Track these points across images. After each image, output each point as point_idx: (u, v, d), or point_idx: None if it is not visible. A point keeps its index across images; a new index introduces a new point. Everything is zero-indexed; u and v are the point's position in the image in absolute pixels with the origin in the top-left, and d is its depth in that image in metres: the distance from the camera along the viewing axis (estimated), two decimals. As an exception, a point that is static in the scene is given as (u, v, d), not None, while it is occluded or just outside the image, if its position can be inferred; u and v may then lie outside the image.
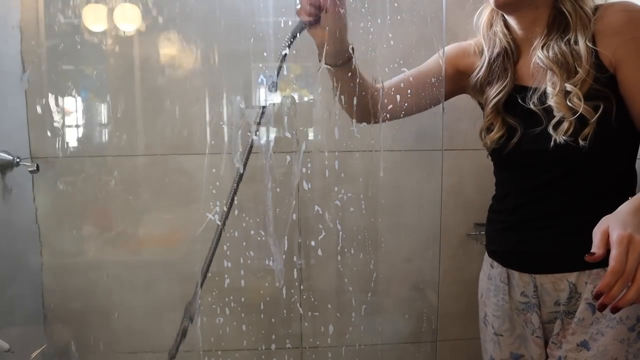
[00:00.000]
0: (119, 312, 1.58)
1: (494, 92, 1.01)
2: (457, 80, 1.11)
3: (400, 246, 1.62)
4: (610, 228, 0.71)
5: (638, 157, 0.93)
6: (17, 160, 1.36)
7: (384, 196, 1.59)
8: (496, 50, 1.02)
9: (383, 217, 1.61)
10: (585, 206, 0.90)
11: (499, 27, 1.03)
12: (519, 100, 0.96)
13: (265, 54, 1.61)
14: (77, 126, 1.56)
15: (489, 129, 1.03)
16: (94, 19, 1.47)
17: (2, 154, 1.34)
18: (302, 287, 1.62)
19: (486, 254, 1.12)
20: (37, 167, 1.41)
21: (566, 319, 0.92)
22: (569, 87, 0.86)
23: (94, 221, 1.58)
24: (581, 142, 0.85)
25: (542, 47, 0.91)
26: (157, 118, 1.54)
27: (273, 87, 1.17)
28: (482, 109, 1.09)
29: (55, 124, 1.50)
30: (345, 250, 1.60)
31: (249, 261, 1.65)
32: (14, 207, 1.44)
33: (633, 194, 0.88)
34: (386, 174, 1.61)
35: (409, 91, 1.11)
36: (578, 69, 0.86)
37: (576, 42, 0.87)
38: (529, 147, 0.94)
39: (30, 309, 1.52)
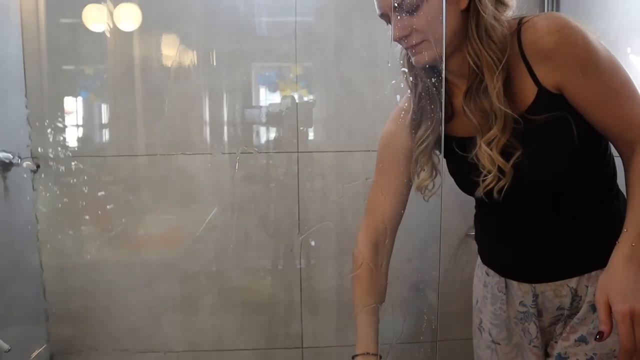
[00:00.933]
0: (119, 312, 1.58)
1: (422, 135, 0.96)
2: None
3: (400, 246, 1.62)
4: (611, 301, 0.75)
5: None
6: (17, 160, 1.36)
7: (384, 196, 1.59)
8: (419, 89, 0.96)
9: (383, 217, 1.61)
10: (574, 213, 0.89)
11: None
12: (454, 147, 0.92)
13: (265, 54, 1.62)
14: (77, 126, 1.56)
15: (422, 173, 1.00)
16: (94, 19, 1.48)
17: (2, 154, 1.34)
18: (302, 287, 1.62)
19: (479, 259, 1.11)
20: (37, 167, 1.41)
21: (569, 320, 0.92)
22: (483, 146, 0.83)
23: (93, 221, 1.58)
24: (495, 196, 0.84)
25: (465, 96, 0.87)
26: (157, 118, 1.54)
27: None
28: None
29: (55, 124, 1.50)
30: (346, 250, 1.60)
31: (249, 261, 1.65)
32: (14, 207, 1.44)
33: (614, 181, 0.91)
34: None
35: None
36: (495, 123, 0.82)
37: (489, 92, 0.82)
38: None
39: (30, 309, 1.52)
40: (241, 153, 1.56)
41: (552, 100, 0.81)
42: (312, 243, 1.62)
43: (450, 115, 0.93)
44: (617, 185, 0.92)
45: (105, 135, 1.58)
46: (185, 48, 1.52)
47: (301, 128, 1.56)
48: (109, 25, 1.48)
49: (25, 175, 1.44)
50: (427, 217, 1.56)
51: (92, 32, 1.48)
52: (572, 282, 0.90)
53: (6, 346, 1.23)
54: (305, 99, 1.58)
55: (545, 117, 0.81)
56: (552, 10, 1.60)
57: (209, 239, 1.58)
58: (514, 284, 0.98)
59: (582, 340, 0.88)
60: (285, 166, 1.59)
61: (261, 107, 1.58)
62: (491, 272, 1.03)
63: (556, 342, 0.94)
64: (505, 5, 0.84)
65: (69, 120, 1.53)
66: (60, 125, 1.51)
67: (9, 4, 1.43)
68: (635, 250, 0.78)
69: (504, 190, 0.85)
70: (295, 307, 1.62)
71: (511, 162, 0.83)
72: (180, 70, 1.52)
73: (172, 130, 1.54)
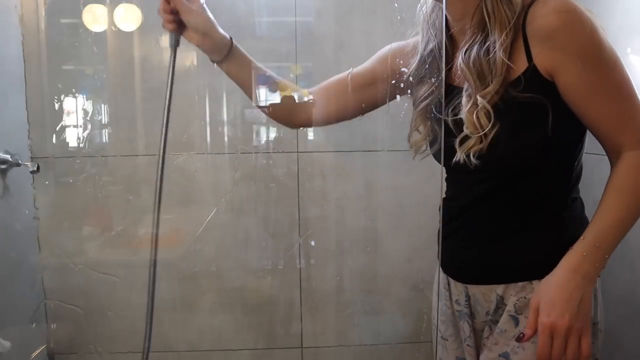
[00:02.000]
0: (119, 312, 1.58)
1: (423, 94, 0.95)
2: (395, 81, 1.02)
3: (400, 246, 1.62)
4: (540, 308, 0.76)
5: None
6: (17, 160, 1.36)
7: (384, 196, 1.59)
8: (429, 46, 0.94)
9: (383, 217, 1.61)
10: (514, 218, 0.86)
11: (437, 20, 0.93)
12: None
13: (265, 54, 1.61)
14: (77, 126, 1.56)
15: (416, 132, 0.98)
16: (94, 19, 1.48)
17: (2, 154, 1.34)
18: (302, 287, 1.62)
19: None
20: (37, 167, 1.41)
21: (493, 326, 0.91)
22: (479, 99, 0.79)
23: (94, 221, 1.58)
24: (473, 161, 0.79)
25: (465, 49, 0.83)
26: (157, 118, 1.54)
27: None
28: None
29: (55, 124, 1.50)
30: (345, 250, 1.60)
31: (249, 261, 1.65)
32: (14, 207, 1.44)
33: (570, 191, 0.87)
34: (386, 174, 1.61)
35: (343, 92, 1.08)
36: (492, 80, 0.78)
37: (494, 49, 0.78)
38: (448, 159, 0.87)
39: (30, 309, 1.52)
40: (241, 153, 1.56)
41: (538, 83, 0.77)
42: (312, 243, 1.62)
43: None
44: (574, 197, 0.88)
45: (105, 135, 1.58)
46: (185, 48, 1.52)
47: (301, 128, 1.56)
48: (109, 25, 1.48)
49: (25, 175, 1.44)
50: (427, 217, 1.56)
51: (92, 32, 1.48)
52: (500, 288, 0.87)
53: (7, 344, 1.23)
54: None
55: (525, 96, 0.77)
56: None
57: (209, 239, 1.58)
58: (452, 282, 0.97)
59: (505, 356, 0.86)
60: (285, 166, 1.59)
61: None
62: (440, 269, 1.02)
63: (485, 347, 0.93)
64: None
65: (69, 120, 1.53)
66: (60, 125, 1.51)
67: (9, 4, 1.43)
68: (584, 261, 0.75)
69: (499, 153, 0.79)
70: (295, 307, 1.62)
71: (494, 129, 0.78)
72: (180, 70, 1.52)
73: (172, 130, 1.54)
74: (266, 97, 1.09)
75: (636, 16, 1.26)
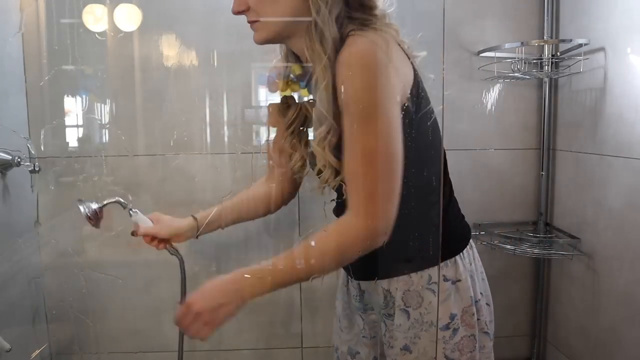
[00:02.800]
0: (119, 312, 1.58)
1: (291, 117, 1.04)
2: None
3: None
4: (199, 289, 0.90)
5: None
6: (17, 160, 1.36)
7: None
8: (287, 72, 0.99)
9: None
10: None
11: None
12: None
13: (265, 54, 1.61)
14: (77, 126, 1.56)
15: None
16: (94, 19, 1.48)
17: (2, 154, 1.34)
18: (302, 287, 1.62)
19: None
20: (37, 167, 1.41)
21: (387, 320, 0.96)
22: (314, 142, 0.84)
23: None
24: (332, 190, 0.87)
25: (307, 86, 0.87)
26: (157, 118, 1.54)
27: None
28: None
29: (55, 124, 1.50)
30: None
31: (249, 261, 1.65)
32: (14, 207, 1.44)
33: (427, 199, 0.90)
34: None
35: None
36: (324, 120, 0.81)
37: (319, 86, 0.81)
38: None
39: (30, 309, 1.52)
40: (241, 153, 1.56)
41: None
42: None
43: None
44: (434, 200, 0.91)
45: (105, 135, 1.58)
46: (185, 48, 1.52)
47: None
48: (109, 25, 1.48)
49: (25, 175, 1.44)
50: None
51: (92, 32, 1.48)
52: (384, 283, 0.94)
53: (7, 345, 1.23)
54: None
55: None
56: (552, 10, 1.60)
57: (209, 239, 1.58)
58: (349, 279, 1.05)
59: (407, 349, 0.93)
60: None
61: (261, 107, 1.58)
62: None
63: (385, 343, 0.99)
64: (354, 7, 0.83)
65: (69, 120, 1.53)
66: (60, 125, 1.51)
67: (9, 4, 1.43)
68: (245, 280, 0.85)
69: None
70: (295, 307, 1.62)
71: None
72: (180, 70, 1.52)
73: (172, 130, 1.54)
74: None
75: (636, 16, 1.26)
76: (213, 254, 1.60)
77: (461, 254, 0.94)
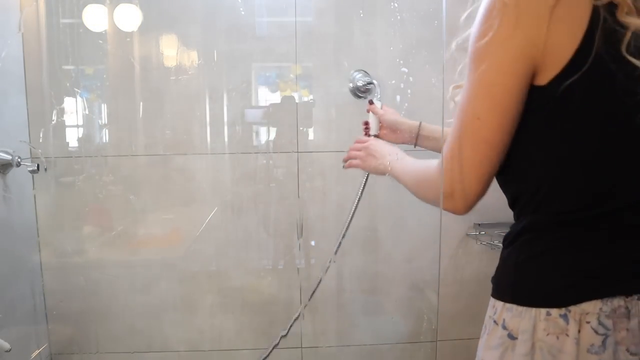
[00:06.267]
0: (119, 312, 1.58)
1: None
2: None
3: (400, 246, 1.62)
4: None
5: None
6: (18, 160, 1.36)
7: (384, 196, 1.59)
8: None
9: (383, 217, 1.61)
10: None
11: None
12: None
13: (265, 54, 1.61)
14: (77, 126, 1.56)
15: None
16: (94, 19, 1.48)
17: (2, 154, 1.34)
18: (302, 287, 1.62)
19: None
20: (37, 167, 1.41)
21: None
22: None
23: (94, 221, 1.58)
24: None
25: None
26: (157, 118, 1.54)
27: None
28: None
29: (55, 124, 1.50)
30: (346, 250, 1.60)
31: (249, 261, 1.65)
32: (14, 207, 1.44)
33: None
34: (386, 174, 1.61)
35: None
36: None
37: None
38: None
39: (30, 309, 1.52)
40: (241, 153, 1.56)
41: None
42: (312, 243, 1.62)
43: None
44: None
45: (105, 135, 1.58)
46: (185, 48, 1.52)
47: (301, 128, 1.56)
48: (109, 25, 1.48)
49: (25, 175, 1.44)
50: (427, 217, 1.56)
51: (92, 32, 1.48)
52: None
53: (7, 345, 1.23)
54: (305, 99, 1.58)
55: None
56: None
57: (209, 239, 1.58)
58: None
59: None
60: (285, 166, 1.59)
61: (261, 107, 1.59)
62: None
63: None
64: None
65: (69, 120, 1.53)
66: (60, 125, 1.51)
67: (9, 4, 1.43)
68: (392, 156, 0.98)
69: None
70: (295, 307, 1.62)
71: None
72: (180, 70, 1.52)
73: (172, 130, 1.54)
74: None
75: (636, 16, 1.26)
76: (213, 254, 1.61)
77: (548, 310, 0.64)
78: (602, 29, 0.58)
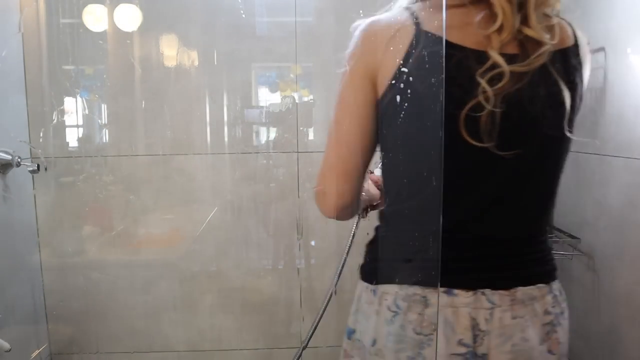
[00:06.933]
0: (119, 312, 1.58)
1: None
2: None
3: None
4: None
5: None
6: (18, 160, 1.36)
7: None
8: None
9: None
10: None
11: None
12: None
13: (265, 54, 1.62)
14: (77, 126, 1.56)
15: None
16: (94, 19, 1.48)
17: (2, 154, 1.34)
18: (302, 287, 1.62)
19: None
20: (37, 167, 1.41)
21: None
22: None
23: (94, 221, 1.58)
24: None
25: None
26: (157, 118, 1.54)
27: None
28: None
29: (55, 124, 1.50)
30: (345, 250, 1.60)
31: (249, 261, 1.65)
32: (14, 207, 1.44)
33: None
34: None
35: None
36: None
37: None
38: None
39: (30, 309, 1.52)
40: (241, 153, 1.56)
41: None
42: (312, 243, 1.62)
43: None
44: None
45: (105, 135, 1.58)
46: (185, 48, 1.52)
47: (301, 128, 1.56)
48: (109, 25, 1.48)
49: (25, 175, 1.44)
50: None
51: (92, 32, 1.48)
52: None
53: (7, 345, 1.23)
54: (305, 99, 1.58)
55: None
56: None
57: (209, 239, 1.58)
58: None
59: None
60: (285, 166, 1.59)
61: (261, 107, 1.59)
62: None
63: None
64: None
65: (69, 120, 1.53)
66: (60, 125, 1.51)
67: (9, 4, 1.43)
68: None
69: None
70: (295, 307, 1.62)
71: None
72: (180, 70, 1.52)
73: (172, 130, 1.54)
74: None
75: (636, 16, 1.26)
76: (213, 254, 1.61)
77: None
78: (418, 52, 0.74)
